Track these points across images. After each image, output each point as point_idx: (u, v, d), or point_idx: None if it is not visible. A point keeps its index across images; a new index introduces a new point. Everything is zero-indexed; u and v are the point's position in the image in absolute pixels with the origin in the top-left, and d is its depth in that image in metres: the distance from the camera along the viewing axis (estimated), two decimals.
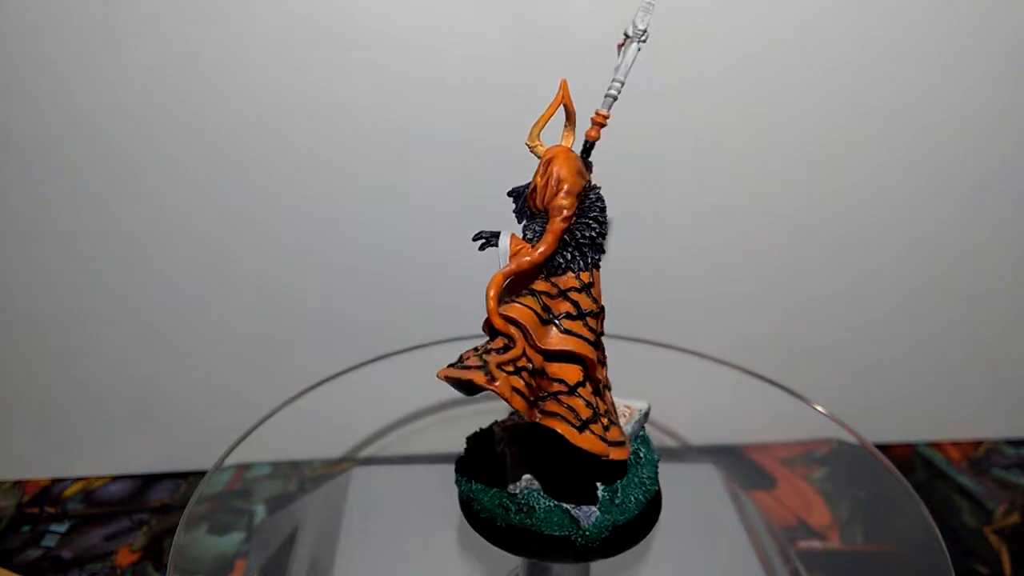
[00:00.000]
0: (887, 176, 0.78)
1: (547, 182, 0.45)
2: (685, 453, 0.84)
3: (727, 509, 0.73)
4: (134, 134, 0.69)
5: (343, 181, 0.73)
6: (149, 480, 0.83)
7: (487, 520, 0.53)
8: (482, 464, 0.55)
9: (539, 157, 0.47)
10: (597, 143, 0.48)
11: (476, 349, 0.45)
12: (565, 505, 0.51)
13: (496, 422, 0.58)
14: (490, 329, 0.45)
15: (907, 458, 0.90)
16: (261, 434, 0.68)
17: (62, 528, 0.76)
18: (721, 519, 0.72)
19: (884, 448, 0.91)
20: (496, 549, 0.52)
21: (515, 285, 0.47)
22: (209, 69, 0.67)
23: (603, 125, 0.48)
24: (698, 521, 0.71)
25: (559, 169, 0.45)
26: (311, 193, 0.73)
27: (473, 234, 0.46)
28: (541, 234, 0.45)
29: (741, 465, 0.84)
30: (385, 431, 0.82)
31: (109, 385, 0.80)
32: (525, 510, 0.51)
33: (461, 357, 0.45)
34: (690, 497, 0.74)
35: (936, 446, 0.92)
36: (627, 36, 0.48)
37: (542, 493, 0.52)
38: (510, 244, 0.46)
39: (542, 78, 0.69)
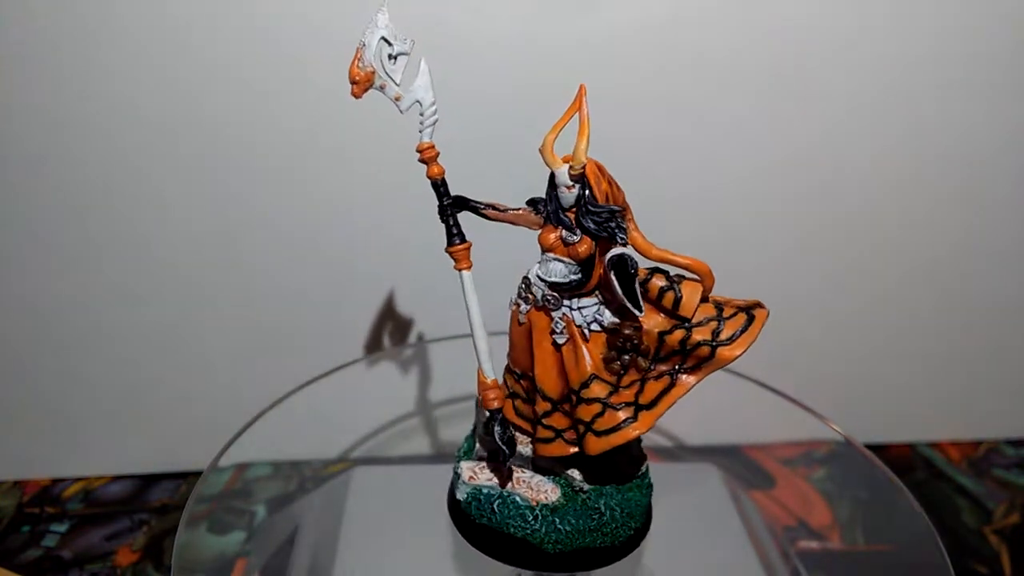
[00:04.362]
0: (887, 176, 0.78)
1: (610, 184, 0.46)
2: (684, 453, 0.84)
3: (727, 509, 0.73)
4: (135, 137, 0.69)
5: (340, 180, 0.73)
6: (149, 480, 0.83)
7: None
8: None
9: (573, 172, 0.45)
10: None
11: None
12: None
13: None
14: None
15: (907, 458, 0.90)
16: (260, 434, 0.68)
17: (62, 528, 0.76)
18: (721, 519, 0.72)
19: (884, 448, 0.91)
20: None
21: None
22: (209, 67, 0.67)
23: (436, 156, 0.47)
24: (698, 521, 0.71)
25: (602, 166, 0.46)
26: (308, 193, 0.73)
27: (610, 261, 0.45)
28: (625, 231, 0.46)
29: (741, 465, 0.84)
30: (386, 429, 0.82)
31: (109, 385, 0.80)
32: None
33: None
34: (690, 497, 0.74)
35: (936, 446, 0.92)
36: (397, 56, 0.44)
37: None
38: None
39: (546, 81, 0.69)
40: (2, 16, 0.63)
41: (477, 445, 0.55)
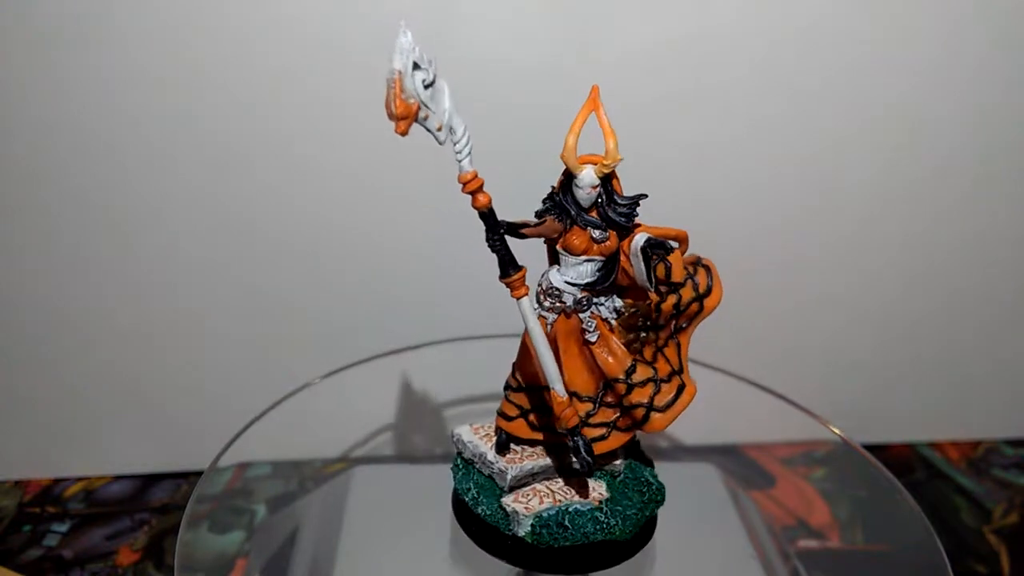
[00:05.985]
0: (884, 174, 0.78)
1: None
2: (684, 453, 0.84)
3: (727, 509, 0.73)
4: (129, 135, 0.69)
5: (339, 183, 0.73)
6: (150, 480, 0.84)
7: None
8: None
9: (605, 170, 0.46)
10: None
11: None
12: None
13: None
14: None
15: (907, 458, 0.90)
16: (260, 434, 0.68)
17: (63, 528, 0.76)
18: (721, 519, 0.72)
19: (884, 448, 0.92)
20: None
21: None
22: (207, 72, 0.67)
23: (482, 185, 0.43)
24: (698, 521, 0.71)
25: None
26: (309, 195, 0.74)
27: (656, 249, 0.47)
28: None
29: (741, 465, 0.84)
30: (386, 430, 0.82)
31: (110, 385, 0.80)
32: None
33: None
34: (690, 497, 0.74)
35: (936, 446, 0.93)
36: (432, 82, 0.39)
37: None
38: None
39: (550, 87, 0.69)
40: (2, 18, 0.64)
41: (512, 476, 0.52)
